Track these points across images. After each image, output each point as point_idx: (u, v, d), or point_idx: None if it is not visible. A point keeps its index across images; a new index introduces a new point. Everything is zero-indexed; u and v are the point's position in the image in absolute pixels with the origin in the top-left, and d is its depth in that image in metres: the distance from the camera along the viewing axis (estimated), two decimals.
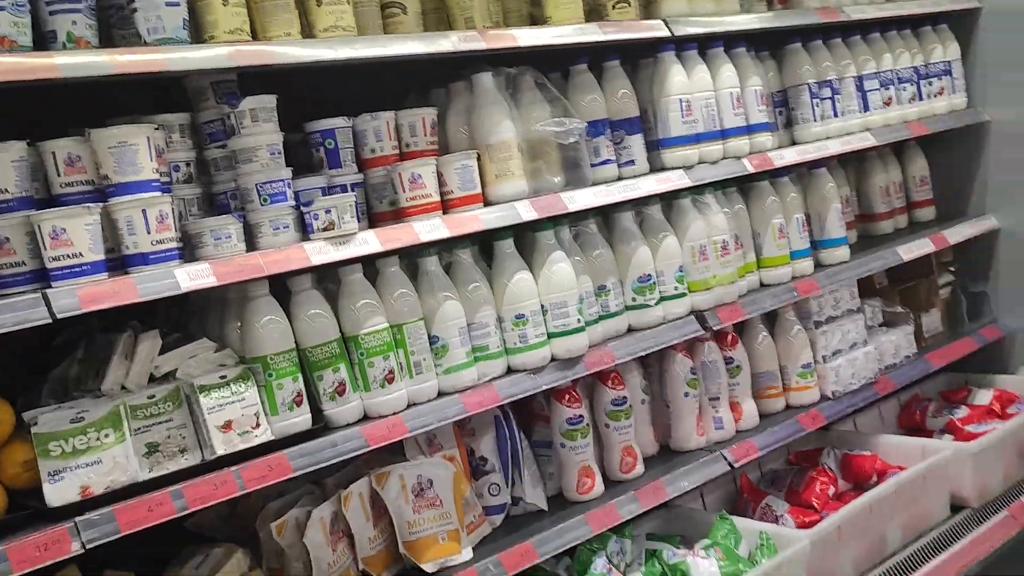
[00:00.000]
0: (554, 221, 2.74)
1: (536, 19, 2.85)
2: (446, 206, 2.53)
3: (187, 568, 2.33)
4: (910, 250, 3.68)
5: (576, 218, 2.85)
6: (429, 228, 2.38)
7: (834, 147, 3.44)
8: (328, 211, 2.20)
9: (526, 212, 2.56)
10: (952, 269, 4.08)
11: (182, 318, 2.49)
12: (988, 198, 4.05)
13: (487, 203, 2.60)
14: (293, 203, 2.24)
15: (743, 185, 3.34)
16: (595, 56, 2.96)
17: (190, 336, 2.28)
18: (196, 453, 2.11)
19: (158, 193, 2.02)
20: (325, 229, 2.21)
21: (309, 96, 2.58)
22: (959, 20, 4.02)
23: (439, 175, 2.51)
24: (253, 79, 2.43)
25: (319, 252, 2.19)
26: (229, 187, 2.29)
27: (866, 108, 3.65)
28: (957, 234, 3.87)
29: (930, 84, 3.92)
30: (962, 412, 3.78)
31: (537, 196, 2.64)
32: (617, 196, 2.78)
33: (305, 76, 2.52)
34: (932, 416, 3.83)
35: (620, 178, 2.93)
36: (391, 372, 2.35)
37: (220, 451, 2.08)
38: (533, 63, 2.84)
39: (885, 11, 3.69)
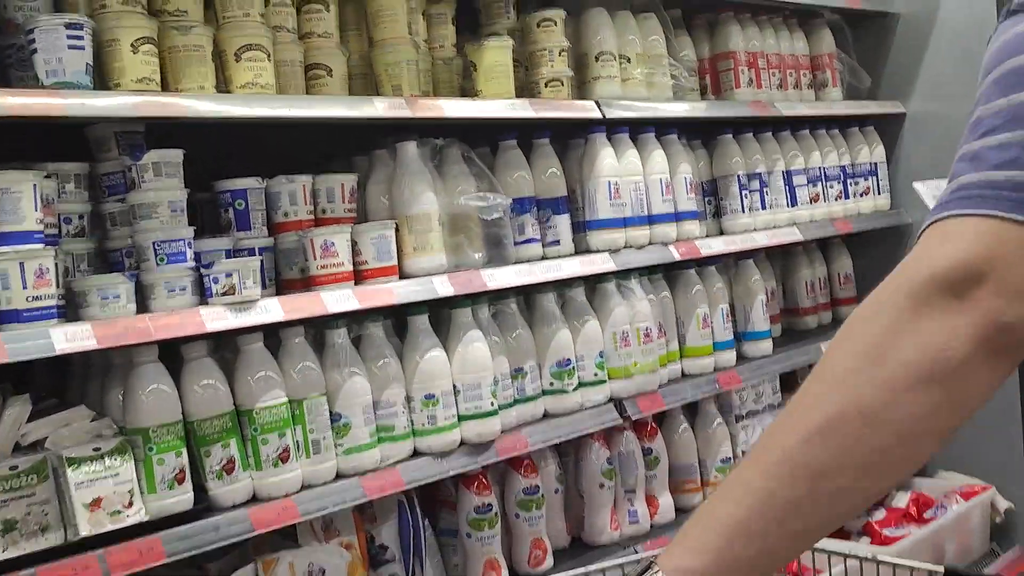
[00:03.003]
0: (473, 299, 2.64)
1: (467, 92, 2.79)
2: (360, 277, 2.41)
3: None
4: None
5: (496, 296, 2.76)
6: (338, 299, 2.25)
7: (761, 239, 3.42)
8: (229, 275, 2.07)
9: (443, 287, 2.46)
10: None
11: (63, 382, 2.31)
12: None
13: (403, 276, 2.49)
14: (193, 264, 2.10)
15: (669, 272, 3.30)
16: (525, 133, 2.91)
17: (68, 403, 2.10)
18: (59, 532, 1.91)
19: (40, 246, 1.86)
20: (225, 293, 2.07)
21: (228, 155, 2.47)
22: (885, 124, 4.11)
23: (354, 244, 2.40)
24: (166, 133, 2.30)
25: (216, 318, 2.04)
26: (125, 244, 2.15)
27: (794, 203, 3.66)
28: None
29: (856, 183, 3.97)
30: (880, 514, 3.73)
31: (456, 271, 2.55)
32: (539, 276, 2.70)
33: (225, 134, 2.41)
34: None
35: (544, 257, 2.85)
36: (286, 450, 2.19)
37: (85, 531, 1.89)
38: (462, 136, 2.78)
39: (815, 109, 3.74)
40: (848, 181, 3.92)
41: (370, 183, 2.61)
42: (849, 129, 4.03)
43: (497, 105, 2.64)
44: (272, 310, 2.14)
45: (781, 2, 3.66)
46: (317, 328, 2.40)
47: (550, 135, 2.92)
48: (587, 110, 2.84)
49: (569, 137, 3.04)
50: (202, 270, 2.09)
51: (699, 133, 3.52)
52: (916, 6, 4.06)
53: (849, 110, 3.92)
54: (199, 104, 2.05)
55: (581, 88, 3.03)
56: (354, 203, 2.55)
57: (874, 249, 4.18)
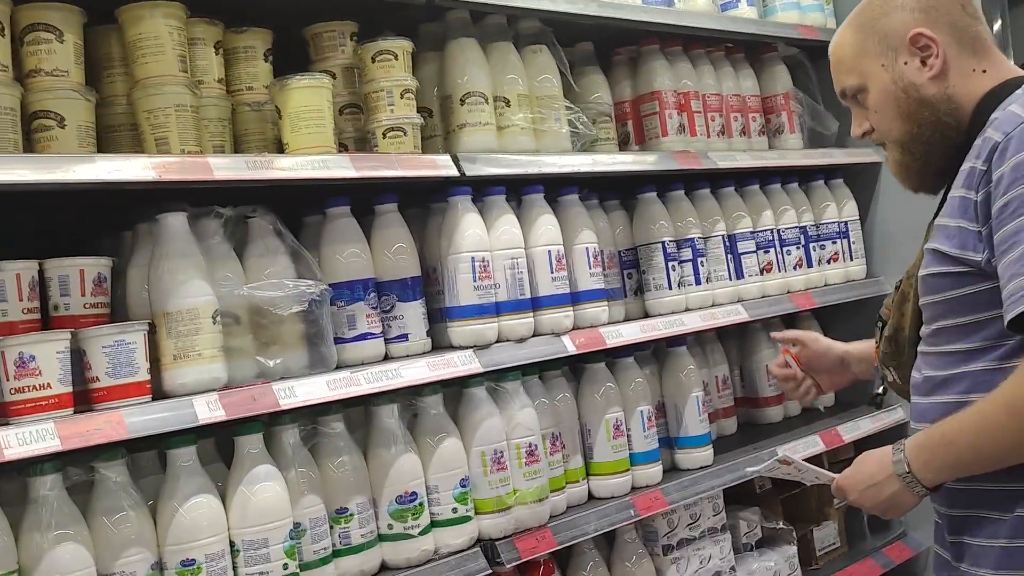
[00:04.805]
0: (273, 419, 1.98)
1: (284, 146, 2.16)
2: (91, 399, 1.76)
3: None
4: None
5: (316, 413, 2.09)
6: (25, 438, 1.59)
7: (692, 322, 2.74)
8: None
9: (208, 411, 1.79)
10: None
11: None
12: None
13: (160, 395, 1.83)
14: None
15: (575, 366, 2.63)
16: (372, 197, 2.27)
17: None
18: None
19: None
20: None
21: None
22: (857, 176, 3.45)
23: (81, 355, 1.75)
24: None
25: None
26: None
27: (739, 274, 2.99)
28: (855, 429, 3.17)
29: (822, 248, 3.29)
30: None
31: (249, 386, 1.89)
32: (365, 387, 2.03)
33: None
34: None
35: (388, 357, 2.20)
36: None
37: None
38: (287, 203, 2.16)
39: (763, 160, 3.08)
40: (811, 245, 3.25)
41: (131, 268, 1.97)
42: (813, 183, 3.37)
43: (299, 161, 2.00)
44: None
45: (717, 30, 3.02)
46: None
47: (396, 199, 2.28)
48: (437, 167, 2.20)
49: (433, 202, 2.40)
50: None
51: (621, 192, 2.87)
52: None
53: (809, 160, 3.25)
54: None
55: (447, 138, 2.40)
56: (103, 295, 1.91)
57: (851, 323, 3.47)
